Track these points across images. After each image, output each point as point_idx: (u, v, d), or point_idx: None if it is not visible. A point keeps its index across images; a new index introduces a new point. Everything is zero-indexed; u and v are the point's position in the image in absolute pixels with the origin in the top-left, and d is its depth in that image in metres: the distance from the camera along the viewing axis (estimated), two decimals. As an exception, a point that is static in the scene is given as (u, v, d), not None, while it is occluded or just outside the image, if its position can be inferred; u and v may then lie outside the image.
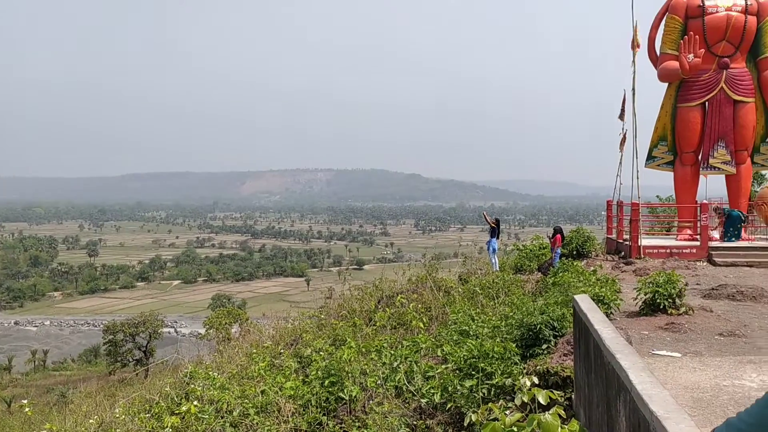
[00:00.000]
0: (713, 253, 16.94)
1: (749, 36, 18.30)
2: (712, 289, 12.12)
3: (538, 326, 8.42)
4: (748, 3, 18.24)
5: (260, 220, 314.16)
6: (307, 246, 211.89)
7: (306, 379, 9.49)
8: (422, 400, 7.94)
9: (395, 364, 8.81)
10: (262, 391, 9.03)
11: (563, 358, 7.61)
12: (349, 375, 8.75)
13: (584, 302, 6.36)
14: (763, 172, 21.51)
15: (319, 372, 9.09)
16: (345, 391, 8.41)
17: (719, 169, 18.82)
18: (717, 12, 18.24)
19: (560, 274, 13.28)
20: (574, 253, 19.02)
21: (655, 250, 17.56)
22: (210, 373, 10.39)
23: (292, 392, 8.76)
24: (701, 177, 19.33)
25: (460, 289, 16.05)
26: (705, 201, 18.54)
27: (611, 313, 9.77)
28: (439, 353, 9.31)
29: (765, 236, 18.61)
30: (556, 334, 8.44)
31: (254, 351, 12.90)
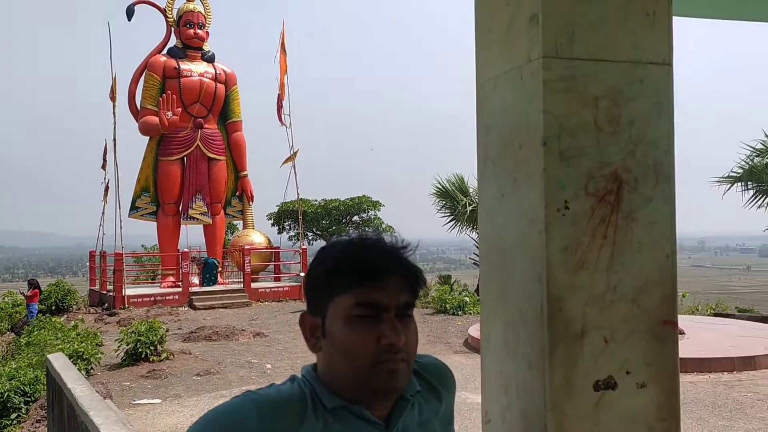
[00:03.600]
0: (194, 297, 18.07)
1: (219, 101, 20.55)
2: (192, 332, 12.90)
3: (6, 394, 7.49)
4: (218, 72, 20.51)
5: None
6: None
7: None
8: None
9: None
10: None
11: (36, 425, 6.92)
12: None
13: (58, 361, 5.93)
14: (235, 222, 24.05)
15: None
16: None
17: (198, 219, 20.35)
18: (191, 76, 19.93)
19: (36, 333, 12.16)
20: (53, 308, 17.72)
21: (140, 299, 17.72)
22: None
23: None
24: (183, 226, 20.54)
25: None
26: (186, 249, 19.72)
27: (92, 368, 9.43)
28: None
29: (238, 279, 20.75)
30: (29, 399, 7.66)
31: None
